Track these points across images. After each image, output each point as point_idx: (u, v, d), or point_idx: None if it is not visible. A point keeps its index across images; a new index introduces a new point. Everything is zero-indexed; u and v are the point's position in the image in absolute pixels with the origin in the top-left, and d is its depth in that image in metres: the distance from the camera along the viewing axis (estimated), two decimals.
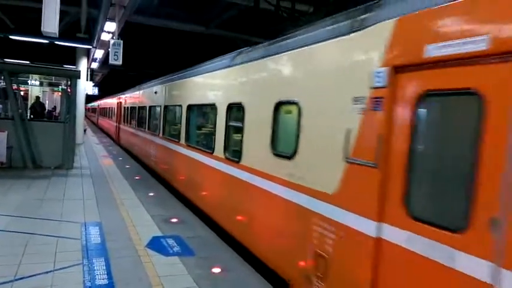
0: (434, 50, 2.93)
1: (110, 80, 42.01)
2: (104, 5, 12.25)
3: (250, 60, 6.23)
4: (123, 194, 9.14)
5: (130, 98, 19.00)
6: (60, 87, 24.83)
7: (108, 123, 29.28)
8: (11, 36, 16.14)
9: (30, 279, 4.37)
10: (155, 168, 12.43)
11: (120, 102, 22.31)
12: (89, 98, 39.02)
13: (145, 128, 14.29)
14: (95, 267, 4.82)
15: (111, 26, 13.85)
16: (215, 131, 7.31)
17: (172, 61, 26.88)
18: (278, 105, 5.21)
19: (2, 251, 5.15)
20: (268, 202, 5.25)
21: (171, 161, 10.41)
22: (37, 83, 25.23)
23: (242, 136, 6.15)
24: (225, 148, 6.82)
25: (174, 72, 11.94)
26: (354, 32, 3.88)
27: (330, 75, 4.20)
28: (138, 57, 27.68)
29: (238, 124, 6.31)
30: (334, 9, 13.91)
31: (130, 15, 14.28)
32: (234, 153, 6.55)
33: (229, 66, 7.11)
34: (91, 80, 29.25)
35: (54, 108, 21.45)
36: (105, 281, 4.46)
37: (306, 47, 4.70)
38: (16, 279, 4.34)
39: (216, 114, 7.34)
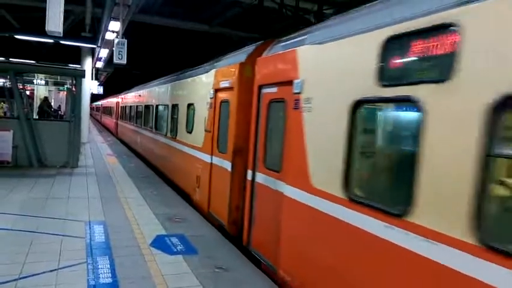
0: (221, 83, 7.32)
1: (115, 79, 42.10)
2: (108, 4, 12.26)
3: (179, 79, 11.07)
4: (128, 192, 9.18)
5: (125, 98, 23.35)
6: (65, 86, 24.95)
7: (109, 120, 33.93)
8: (16, 36, 16.20)
9: (35, 278, 4.40)
10: (141, 150, 16.64)
11: (118, 102, 26.82)
12: (94, 97, 39.21)
13: (134, 122, 19.04)
14: (99, 266, 4.84)
15: (115, 25, 13.86)
16: (167, 121, 11.84)
17: (177, 60, 26.91)
18: (189, 105, 9.60)
19: (7, 249, 5.20)
20: (184, 156, 9.69)
21: (147, 141, 15.21)
22: (42, 82, 25.36)
23: (177, 123, 10.59)
24: (171, 131, 11.34)
25: (148, 82, 17.38)
26: (209, 71, 8.27)
27: (202, 91, 8.66)
28: (142, 56, 27.72)
29: (176, 116, 10.79)
30: (337, 7, 13.87)
31: (134, 14, 14.29)
32: (173, 133, 10.94)
33: (173, 81, 11.83)
34: (96, 79, 29.35)
35: (59, 107, 21.55)
36: (109, 280, 4.48)
37: (195, 76, 9.43)
38: (21, 278, 4.37)
39: (167, 111, 11.88)
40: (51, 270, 4.61)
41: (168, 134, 11.50)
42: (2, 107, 16.48)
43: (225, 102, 7.17)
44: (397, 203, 3.20)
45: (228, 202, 6.59)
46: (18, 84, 12.12)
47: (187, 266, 5.05)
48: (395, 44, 3.34)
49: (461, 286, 2.56)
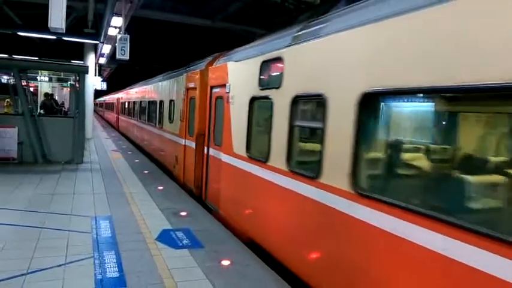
0: (189, 84, 9.87)
1: (118, 75, 42.10)
2: None
3: (164, 80, 13.60)
4: (133, 187, 9.23)
5: (124, 96, 26.46)
6: (68, 82, 25.00)
7: (111, 115, 36.93)
8: (19, 33, 16.21)
9: (43, 273, 4.45)
10: (136, 139, 19.61)
11: (119, 98, 29.68)
12: (98, 93, 39.31)
13: (131, 116, 21.86)
14: (106, 260, 4.88)
15: (117, 21, 13.85)
16: (156, 113, 14.37)
17: (180, 55, 26.87)
18: (170, 101, 12.03)
19: (15, 245, 5.25)
20: (167, 141, 12.27)
21: (142, 132, 17.91)
22: (46, 78, 25.43)
23: (163, 115, 13.18)
24: (158, 122, 13.86)
25: (143, 81, 20.39)
26: (182, 75, 10.83)
27: (178, 90, 10.99)
28: (145, 51, 27.71)
29: (162, 110, 13.36)
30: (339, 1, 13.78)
31: (136, 9, 14.26)
32: (161, 123, 13.33)
33: (160, 81, 14.41)
34: (99, 75, 29.38)
35: (63, 103, 21.60)
36: (116, 274, 4.52)
37: (174, 78, 11.85)
38: (29, 273, 4.41)
39: (156, 106, 14.55)
40: (58, 265, 4.66)
41: (157, 125, 14.17)
42: (11, 105, 16.52)
43: (192, 98, 9.62)
44: (265, 156, 5.52)
45: (194, 172, 9.11)
46: (22, 81, 12.16)
47: (193, 260, 5.09)
48: (264, 66, 5.79)
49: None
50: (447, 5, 2.85)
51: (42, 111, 14.84)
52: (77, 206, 7.31)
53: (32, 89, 19.16)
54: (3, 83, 28.30)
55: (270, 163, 5.35)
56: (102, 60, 23.95)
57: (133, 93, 21.57)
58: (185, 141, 10.01)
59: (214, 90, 8.03)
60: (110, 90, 40.78)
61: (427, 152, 3.48)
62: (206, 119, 8.35)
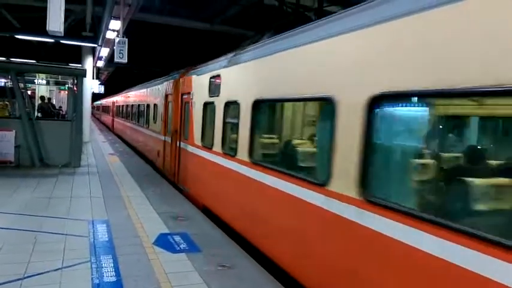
0: (167, 91, 12.20)
1: (116, 78, 42.06)
2: (108, 3, 12.25)
3: (150, 86, 15.87)
4: (130, 191, 9.20)
5: (119, 98, 29.03)
6: (66, 85, 24.96)
7: (107, 118, 39.66)
8: (16, 36, 16.19)
9: (39, 277, 4.42)
10: (129, 138, 21.72)
11: (114, 102, 32.36)
12: (96, 96, 39.35)
13: (125, 117, 24.02)
14: (103, 265, 4.86)
15: (116, 24, 13.87)
16: (144, 115, 16.42)
17: (178, 58, 26.87)
18: (154, 105, 14.19)
19: (12, 249, 5.22)
20: (152, 138, 14.45)
21: (133, 131, 20.01)
22: (44, 82, 25.38)
23: (148, 117, 15.31)
24: (146, 122, 15.87)
25: (135, 86, 22.51)
26: (162, 83, 13.32)
27: (158, 95, 13.72)
28: (143, 55, 27.69)
29: (149, 112, 15.30)
30: (338, 3, 13.84)
31: (135, 13, 14.28)
32: (148, 124, 15.43)
33: (147, 87, 16.71)
34: (97, 78, 29.38)
35: (61, 107, 21.56)
36: (113, 278, 4.50)
37: (158, 85, 14.16)
38: (26, 277, 4.39)
39: (144, 108, 16.58)
40: (55, 270, 4.63)
41: (144, 125, 16.35)
42: (3, 108, 16.55)
43: (169, 102, 11.72)
44: (211, 144, 7.67)
45: (169, 162, 11.21)
46: (20, 84, 12.12)
47: (190, 264, 5.07)
48: (212, 80, 7.96)
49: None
50: (284, 53, 5.29)
51: (39, 115, 14.81)
52: (74, 210, 7.29)
53: (29, 92, 19.14)
54: (1, 86, 28.24)
55: (213, 149, 7.57)
56: (100, 64, 23.96)
57: (126, 97, 24.44)
58: (165, 138, 12.12)
59: (184, 96, 10.18)
60: (108, 93, 40.81)
61: (283, 135, 6.20)
62: (178, 119, 10.51)
